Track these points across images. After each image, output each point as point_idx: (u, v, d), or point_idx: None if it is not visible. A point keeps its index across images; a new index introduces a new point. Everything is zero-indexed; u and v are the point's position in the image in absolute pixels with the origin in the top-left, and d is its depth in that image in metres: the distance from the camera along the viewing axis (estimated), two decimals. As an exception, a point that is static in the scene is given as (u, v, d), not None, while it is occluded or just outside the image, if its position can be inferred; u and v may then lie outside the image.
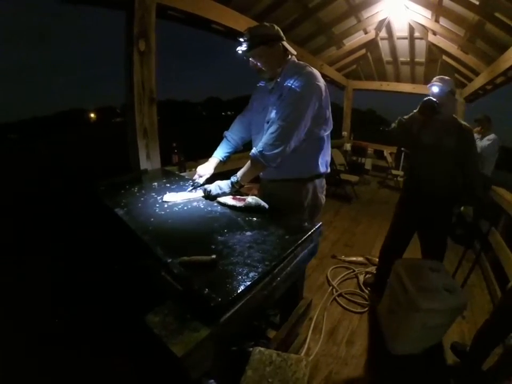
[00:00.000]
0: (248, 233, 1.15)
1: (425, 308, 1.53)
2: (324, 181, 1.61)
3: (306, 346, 1.74)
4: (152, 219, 1.24)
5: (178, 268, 0.91)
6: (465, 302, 1.62)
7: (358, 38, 4.71)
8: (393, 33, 4.49)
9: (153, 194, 1.53)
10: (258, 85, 1.64)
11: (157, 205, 1.39)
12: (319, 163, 1.49)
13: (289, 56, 1.45)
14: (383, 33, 4.59)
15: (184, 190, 1.59)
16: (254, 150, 1.38)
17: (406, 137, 2.01)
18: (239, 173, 1.45)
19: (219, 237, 1.10)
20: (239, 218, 1.28)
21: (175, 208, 1.37)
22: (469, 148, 1.83)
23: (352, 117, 6.98)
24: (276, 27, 1.41)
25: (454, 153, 1.80)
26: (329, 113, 1.44)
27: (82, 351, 1.64)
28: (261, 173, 1.58)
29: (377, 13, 4.03)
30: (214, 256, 0.93)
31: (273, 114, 1.39)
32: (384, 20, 4.21)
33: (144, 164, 2.08)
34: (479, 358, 1.58)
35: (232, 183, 1.45)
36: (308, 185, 1.51)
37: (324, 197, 1.62)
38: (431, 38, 4.12)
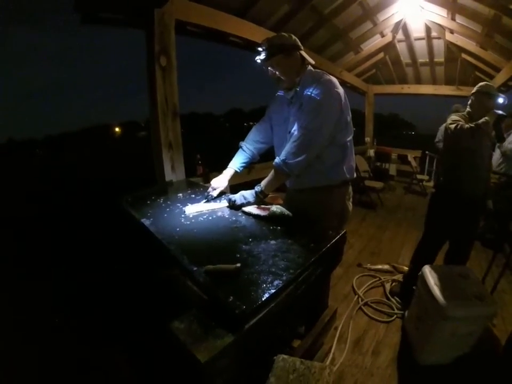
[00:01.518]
0: (273, 242, 1.16)
1: (454, 316, 1.48)
2: (350, 188, 1.60)
3: (331, 356, 1.70)
4: (177, 229, 1.28)
5: (203, 276, 0.93)
6: (495, 309, 1.56)
7: (375, 42, 4.68)
8: (410, 35, 4.43)
9: (179, 205, 1.56)
10: (276, 94, 1.65)
11: (182, 215, 1.42)
12: (345, 169, 1.49)
13: (307, 66, 1.47)
14: (400, 35, 4.53)
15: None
16: (277, 159, 1.40)
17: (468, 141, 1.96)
18: (263, 183, 1.46)
19: (244, 246, 1.12)
20: (263, 228, 1.30)
21: (200, 218, 1.40)
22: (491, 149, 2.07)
23: (375, 122, 6.86)
24: (294, 37, 1.43)
25: (489, 154, 1.99)
26: (349, 118, 1.44)
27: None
28: (288, 183, 1.59)
29: (392, 15, 3.99)
30: (238, 265, 0.94)
31: (295, 125, 1.39)
32: (400, 21, 4.16)
33: (169, 176, 2.14)
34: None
35: (256, 192, 1.46)
36: (336, 192, 1.51)
37: (351, 204, 1.61)
38: (448, 36, 4.03)
